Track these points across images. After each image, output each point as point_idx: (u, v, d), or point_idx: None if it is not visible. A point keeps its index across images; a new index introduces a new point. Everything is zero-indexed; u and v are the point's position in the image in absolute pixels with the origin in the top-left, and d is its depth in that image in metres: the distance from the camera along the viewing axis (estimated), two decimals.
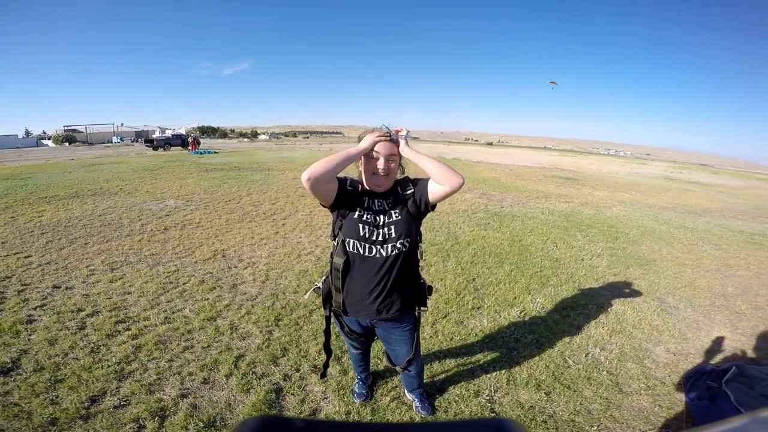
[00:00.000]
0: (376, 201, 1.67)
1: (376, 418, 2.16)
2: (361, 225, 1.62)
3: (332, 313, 1.84)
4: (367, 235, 1.61)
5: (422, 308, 1.83)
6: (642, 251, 5.71)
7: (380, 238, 1.62)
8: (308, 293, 2.09)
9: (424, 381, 2.35)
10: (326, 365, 2.06)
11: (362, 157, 1.62)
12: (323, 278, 1.87)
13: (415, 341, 1.86)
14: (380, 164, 1.59)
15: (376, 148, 1.58)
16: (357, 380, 2.35)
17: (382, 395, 2.32)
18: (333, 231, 1.72)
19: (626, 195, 12.35)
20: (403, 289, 1.72)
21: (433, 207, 1.67)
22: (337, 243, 1.69)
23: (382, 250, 1.62)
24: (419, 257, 1.77)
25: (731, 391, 2.28)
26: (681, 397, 2.48)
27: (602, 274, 4.62)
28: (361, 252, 1.63)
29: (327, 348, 1.97)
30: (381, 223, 1.64)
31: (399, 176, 1.74)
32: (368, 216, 1.63)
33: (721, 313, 3.79)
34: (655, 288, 4.28)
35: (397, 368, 1.97)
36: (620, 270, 4.80)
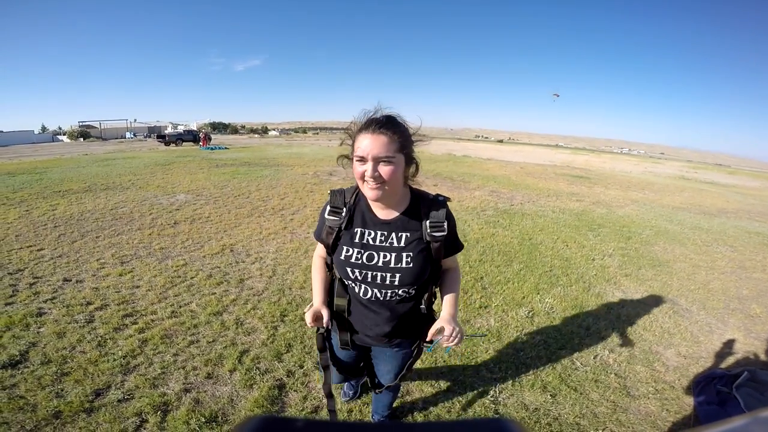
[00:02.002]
0: (374, 233, 1.29)
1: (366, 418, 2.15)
2: (349, 269, 1.30)
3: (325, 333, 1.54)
4: (359, 277, 1.30)
5: (427, 344, 1.44)
6: (655, 252, 5.60)
7: (377, 281, 1.29)
8: (308, 307, 1.76)
9: (403, 400, 2.24)
10: (330, 398, 1.65)
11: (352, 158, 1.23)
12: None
13: (402, 372, 1.58)
14: (368, 171, 1.15)
15: (358, 148, 1.16)
16: (343, 388, 2.28)
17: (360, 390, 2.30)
18: (328, 263, 1.44)
19: (639, 194, 12.16)
20: (409, 327, 1.44)
21: None
22: (336, 279, 1.41)
23: (379, 293, 1.31)
24: (434, 294, 1.47)
25: (741, 397, 2.22)
26: (690, 402, 2.43)
27: (613, 274, 4.54)
28: (357, 292, 1.35)
29: (326, 369, 1.59)
30: (378, 263, 1.27)
31: (412, 179, 1.31)
32: (358, 255, 1.28)
33: (735, 316, 3.70)
34: (667, 290, 4.20)
35: (374, 392, 1.73)
36: (632, 271, 4.71)
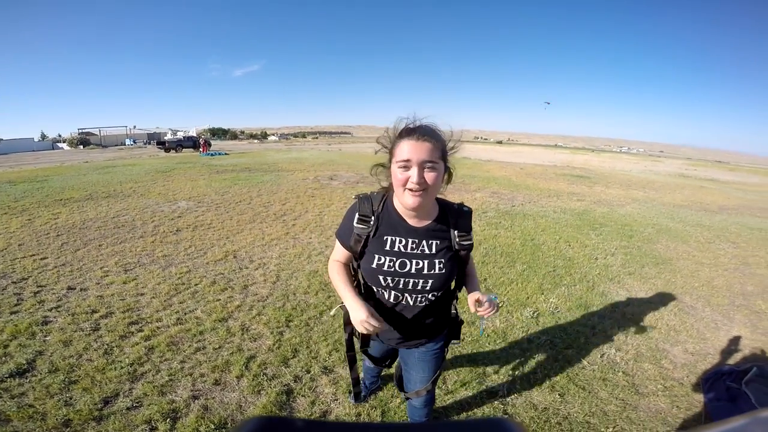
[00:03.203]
0: (405, 240, 1.29)
1: (386, 419, 2.14)
2: (382, 277, 1.31)
3: (353, 333, 1.62)
4: (391, 284, 1.31)
5: (454, 341, 1.61)
6: (657, 250, 5.60)
7: (409, 287, 1.31)
8: (334, 310, 1.84)
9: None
10: (356, 386, 1.84)
11: (390, 165, 1.23)
12: None
13: (435, 375, 1.60)
14: (413, 176, 1.14)
15: (402, 153, 1.15)
16: (361, 382, 2.22)
17: (392, 396, 2.30)
18: (352, 268, 1.47)
19: (640, 193, 12.17)
20: (435, 325, 1.49)
21: None
22: (362, 283, 1.45)
23: (410, 298, 1.35)
24: (457, 294, 1.54)
25: (752, 392, 2.22)
26: (699, 398, 2.43)
27: (617, 273, 4.54)
28: (387, 298, 1.37)
29: (352, 368, 1.72)
30: (410, 270, 1.28)
31: (444, 188, 1.30)
32: (390, 263, 1.29)
33: (741, 312, 3.70)
34: (671, 287, 4.20)
35: (404, 395, 1.74)
36: (635, 269, 4.71)
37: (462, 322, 1.62)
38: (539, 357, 2.77)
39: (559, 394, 2.39)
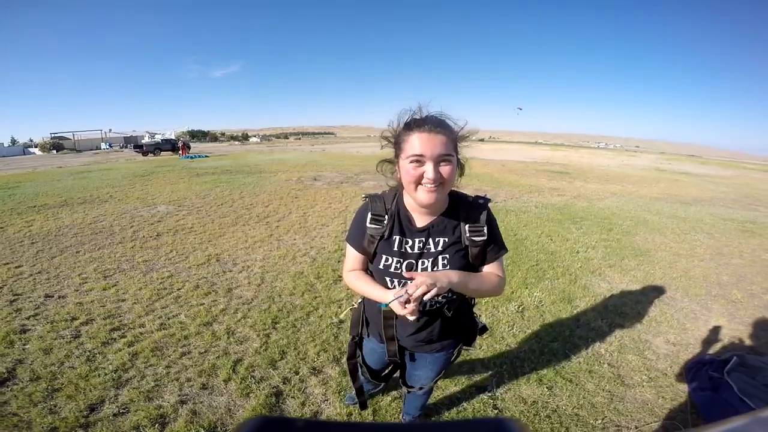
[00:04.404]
0: (412, 241, 1.23)
1: (376, 419, 2.14)
2: (388, 278, 1.24)
3: (359, 341, 1.57)
4: (398, 286, 1.23)
5: (466, 348, 1.55)
6: (636, 242, 5.74)
7: None
8: (343, 314, 1.69)
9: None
10: (360, 395, 1.71)
11: (399, 161, 1.14)
12: (361, 299, 1.55)
13: (438, 376, 1.57)
14: (428, 171, 1.06)
15: (413, 147, 1.06)
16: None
17: (383, 395, 2.30)
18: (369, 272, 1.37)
19: (618, 187, 12.45)
20: (450, 331, 1.41)
21: None
22: None
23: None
24: (472, 299, 1.48)
25: (734, 381, 2.28)
26: (683, 388, 2.49)
27: (598, 266, 4.63)
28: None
29: (354, 378, 1.65)
30: (416, 271, 1.21)
31: (458, 180, 1.19)
32: (397, 265, 1.22)
33: (718, 302, 3.81)
34: (651, 278, 4.31)
35: (404, 389, 1.67)
36: (615, 261, 4.82)
37: (484, 328, 1.55)
38: (526, 351, 2.81)
39: (547, 388, 2.42)
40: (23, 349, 2.67)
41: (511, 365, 2.63)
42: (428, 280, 1.04)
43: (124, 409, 2.14)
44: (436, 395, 2.31)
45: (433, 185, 1.07)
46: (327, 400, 2.26)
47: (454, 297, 1.29)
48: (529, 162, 22.40)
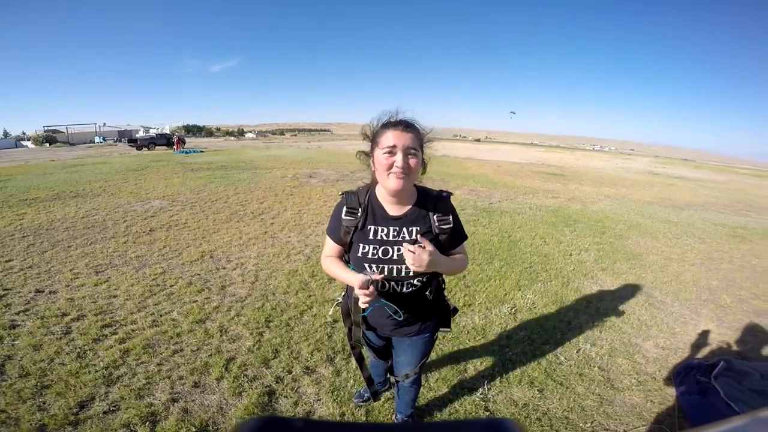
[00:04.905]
0: (387, 229, 1.39)
1: (369, 419, 2.15)
2: (366, 264, 1.38)
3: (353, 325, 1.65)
4: (376, 272, 1.36)
5: (444, 330, 1.69)
6: (628, 245, 5.78)
7: (393, 274, 1.38)
8: (332, 310, 1.93)
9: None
10: (371, 385, 1.83)
11: (373, 153, 1.35)
12: (344, 292, 1.72)
13: (422, 360, 1.69)
14: (398, 160, 1.25)
15: (387, 140, 1.27)
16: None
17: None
18: (344, 260, 1.54)
19: (612, 190, 12.52)
20: (425, 313, 1.57)
21: None
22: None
23: (395, 286, 1.43)
24: (443, 282, 1.65)
25: (720, 386, 2.31)
26: (672, 392, 2.51)
27: (590, 269, 4.66)
28: (376, 286, 1.38)
29: (361, 366, 1.75)
30: (393, 256, 1.37)
31: (421, 177, 1.41)
32: (374, 251, 1.37)
33: (707, 307, 3.85)
34: (642, 282, 4.34)
35: (392, 379, 1.83)
36: (608, 264, 4.85)
37: (455, 310, 1.72)
38: (518, 353, 2.82)
39: (538, 390, 2.44)
40: (12, 345, 2.65)
41: (503, 367, 2.65)
42: (423, 254, 1.25)
43: (114, 406, 2.13)
44: (428, 396, 2.33)
45: (401, 172, 1.26)
46: (320, 400, 2.27)
47: (428, 280, 1.47)
48: (525, 163, 22.47)
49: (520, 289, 3.90)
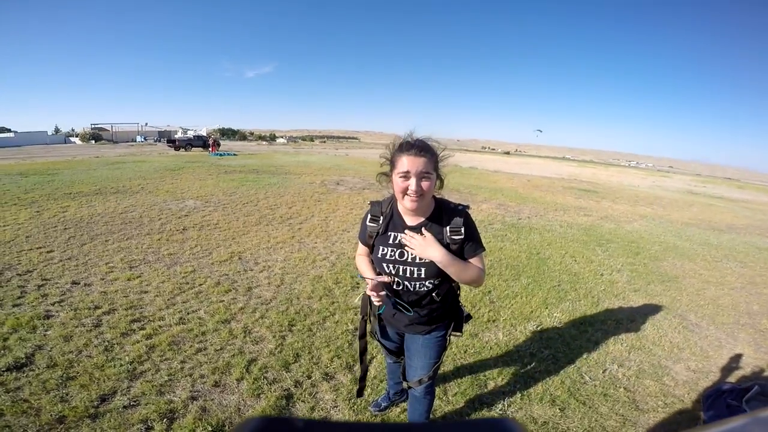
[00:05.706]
0: (404, 235, 1.52)
1: None
2: (385, 264, 1.54)
3: (368, 318, 1.81)
4: (393, 271, 1.54)
5: (456, 333, 1.77)
6: (664, 267, 5.55)
7: (407, 275, 1.52)
8: (358, 298, 2.02)
9: (434, 408, 2.17)
10: (362, 380, 1.94)
11: (392, 175, 1.45)
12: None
13: (435, 364, 1.73)
14: (412, 185, 1.37)
15: (402, 165, 1.38)
16: (385, 391, 2.33)
17: (394, 406, 2.29)
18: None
19: (648, 209, 12.08)
20: (436, 313, 1.65)
21: None
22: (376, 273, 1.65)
23: (409, 285, 1.55)
24: (458, 287, 1.72)
25: (751, 410, 2.18)
26: (699, 416, 2.39)
27: (622, 289, 4.50)
28: (392, 285, 1.58)
29: (362, 359, 1.86)
30: (407, 258, 1.51)
31: (438, 191, 1.53)
32: (392, 253, 1.53)
33: (745, 331, 3.66)
34: (676, 305, 4.16)
35: (405, 385, 1.85)
36: (641, 286, 4.67)
37: (469, 316, 1.81)
38: (541, 371, 2.75)
39: (559, 409, 2.37)
40: (44, 335, 2.76)
41: (525, 384, 2.58)
42: (425, 243, 1.44)
43: (134, 401, 2.18)
44: (445, 409, 2.29)
45: (415, 196, 1.39)
46: (337, 407, 2.27)
47: (441, 283, 1.57)
48: (556, 178, 21.99)
49: (547, 308, 3.80)
